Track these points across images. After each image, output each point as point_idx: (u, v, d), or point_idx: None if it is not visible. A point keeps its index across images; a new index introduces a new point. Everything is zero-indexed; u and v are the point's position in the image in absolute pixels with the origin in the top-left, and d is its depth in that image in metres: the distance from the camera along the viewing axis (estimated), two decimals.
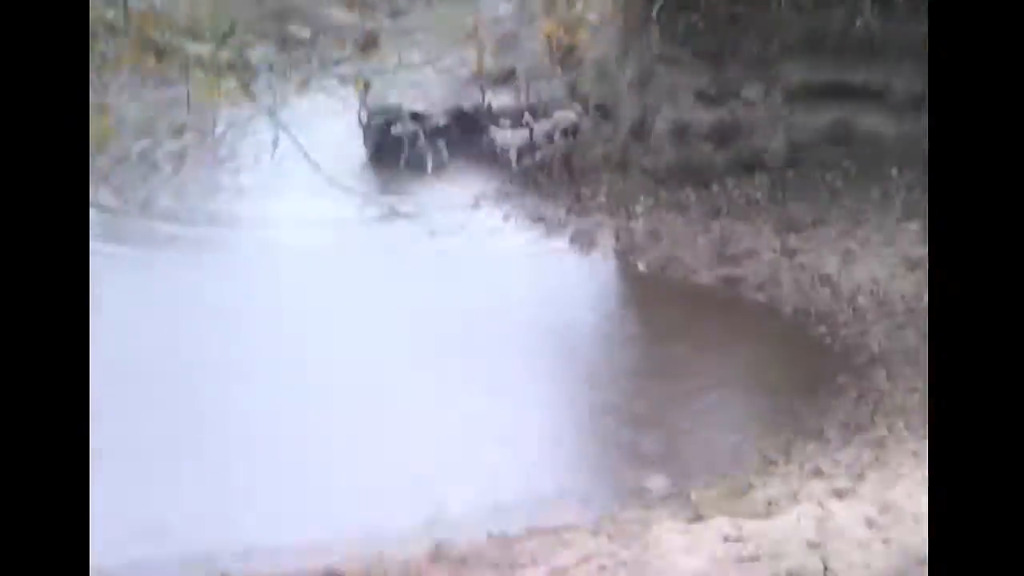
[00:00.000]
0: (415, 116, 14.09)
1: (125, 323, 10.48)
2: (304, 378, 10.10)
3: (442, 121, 14.12)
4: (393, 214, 12.69)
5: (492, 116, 14.09)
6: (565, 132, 13.79)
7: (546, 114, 13.97)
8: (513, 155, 13.69)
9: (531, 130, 13.69)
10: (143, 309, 11.06)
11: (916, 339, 10.28)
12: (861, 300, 11.07)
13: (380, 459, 9.04)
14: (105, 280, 10.49)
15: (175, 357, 10.30)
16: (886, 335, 10.59)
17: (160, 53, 4.43)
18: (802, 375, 10.51)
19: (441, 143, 13.97)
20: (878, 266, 11.37)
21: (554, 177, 13.54)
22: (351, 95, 12.14)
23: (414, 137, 13.86)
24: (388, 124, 14.05)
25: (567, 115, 13.94)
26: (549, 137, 13.75)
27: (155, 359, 10.25)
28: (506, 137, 13.79)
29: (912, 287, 10.95)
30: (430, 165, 13.87)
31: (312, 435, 9.38)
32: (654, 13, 12.86)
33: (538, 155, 13.71)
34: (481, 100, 14.34)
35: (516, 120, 13.90)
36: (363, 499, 8.50)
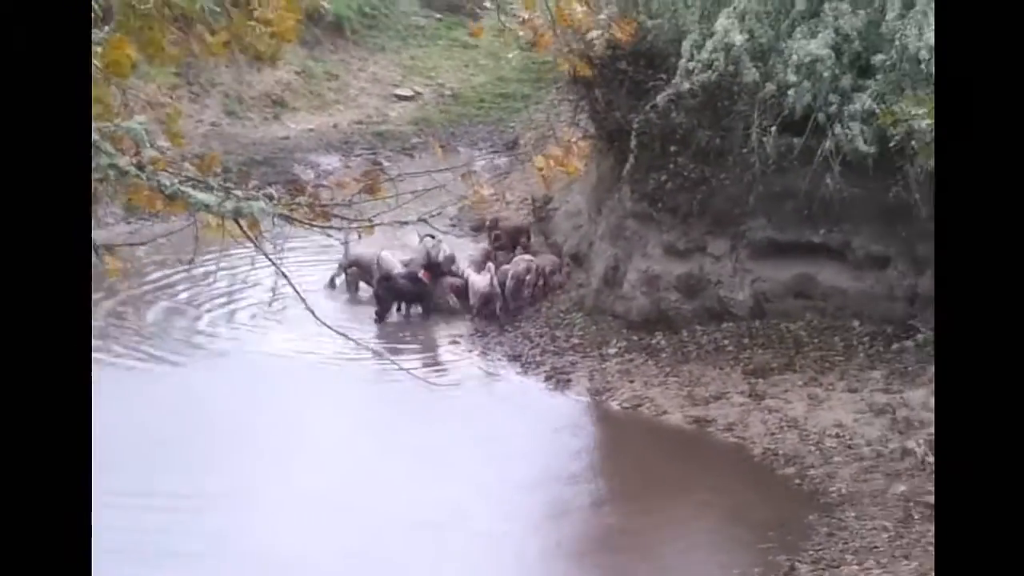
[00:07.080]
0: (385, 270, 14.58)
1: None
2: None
3: (416, 269, 14.54)
4: (375, 353, 13.21)
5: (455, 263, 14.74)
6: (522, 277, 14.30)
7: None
8: (478, 300, 14.26)
9: (492, 275, 14.19)
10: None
11: (884, 482, 10.57)
12: (828, 443, 11.31)
13: None
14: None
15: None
16: (853, 477, 10.75)
17: (169, 198, 4.88)
18: (772, 513, 10.61)
19: (417, 290, 14.49)
20: (843, 412, 11.65)
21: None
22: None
23: (388, 289, 14.41)
24: (359, 277, 14.71)
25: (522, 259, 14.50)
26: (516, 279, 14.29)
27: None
28: (474, 282, 14.39)
29: (878, 432, 11.25)
30: (408, 311, 14.50)
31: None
32: (625, 172, 13.31)
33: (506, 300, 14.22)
34: (448, 249, 14.89)
35: (480, 267, 14.56)
36: None
